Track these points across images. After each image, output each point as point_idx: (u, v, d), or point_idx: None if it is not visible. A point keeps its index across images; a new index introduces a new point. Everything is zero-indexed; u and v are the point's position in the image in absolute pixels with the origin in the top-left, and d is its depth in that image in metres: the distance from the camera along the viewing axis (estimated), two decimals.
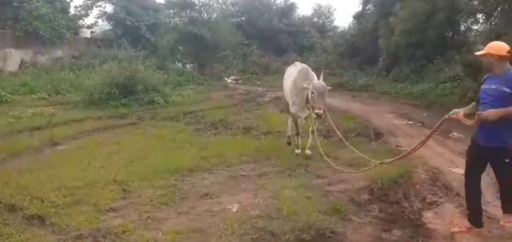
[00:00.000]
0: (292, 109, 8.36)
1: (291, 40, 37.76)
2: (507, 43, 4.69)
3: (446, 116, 4.86)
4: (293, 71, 8.73)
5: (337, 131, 7.72)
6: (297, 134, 8.52)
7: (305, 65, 8.62)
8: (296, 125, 8.53)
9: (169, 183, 6.54)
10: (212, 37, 26.88)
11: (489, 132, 4.49)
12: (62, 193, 5.98)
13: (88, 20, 29.44)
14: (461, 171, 7.18)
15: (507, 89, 4.40)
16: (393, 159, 6.24)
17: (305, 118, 8.48)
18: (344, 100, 17.68)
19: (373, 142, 9.85)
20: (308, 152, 8.24)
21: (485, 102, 4.58)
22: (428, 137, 5.48)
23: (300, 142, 8.47)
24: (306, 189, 6.22)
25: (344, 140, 7.63)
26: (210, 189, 6.28)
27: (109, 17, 29.48)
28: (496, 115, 4.34)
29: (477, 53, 4.91)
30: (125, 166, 7.49)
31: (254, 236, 4.62)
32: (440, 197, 6.08)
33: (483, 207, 5.53)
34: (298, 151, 8.37)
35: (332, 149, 8.72)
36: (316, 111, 7.26)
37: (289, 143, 9.07)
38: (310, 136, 8.30)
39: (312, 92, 7.35)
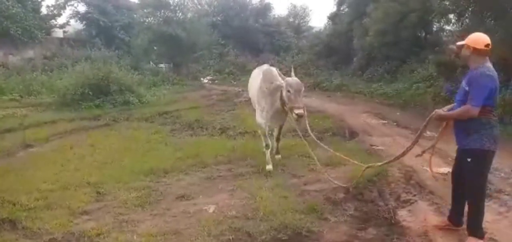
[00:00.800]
0: (261, 118, 7.30)
1: (267, 40, 37.90)
2: None
3: (433, 115, 4.70)
4: (258, 73, 7.89)
5: (311, 133, 7.11)
6: (268, 146, 7.44)
7: (268, 66, 7.65)
8: (265, 135, 7.44)
9: (144, 184, 6.47)
10: (187, 37, 26.79)
11: (457, 134, 4.53)
12: (34, 196, 5.86)
13: (61, 20, 28.98)
14: (434, 169, 7.35)
15: (466, 87, 4.31)
16: (380, 163, 6.09)
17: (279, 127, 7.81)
18: (320, 100, 17.80)
19: (348, 141, 9.93)
20: (278, 156, 7.99)
21: (455, 101, 4.58)
22: (417, 138, 5.42)
23: (269, 156, 7.42)
24: (282, 188, 6.22)
25: (318, 141, 7.17)
26: (186, 190, 6.23)
27: (82, 17, 29.04)
28: (439, 118, 4.50)
29: (459, 43, 4.59)
30: (99, 168, 7.39)
31: (230, 237, 4.60)
32: (414, 195, 6.16)
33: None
34: (270, 168, 7.21)
35: (307, 148, 8.75)
36: (296, 111, 6.25)
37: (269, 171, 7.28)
38: (276, 143, 8.02)
39: (288, 91, 6.39)
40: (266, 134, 7.46)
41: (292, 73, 7.05)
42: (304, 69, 28.27)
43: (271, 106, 7.04)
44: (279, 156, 7.97)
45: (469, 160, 4.43)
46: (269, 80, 6.94)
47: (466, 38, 4.42)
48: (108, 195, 6.03)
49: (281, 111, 7.00)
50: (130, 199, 5.79)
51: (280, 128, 7.90)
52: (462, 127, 4.41)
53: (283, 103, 6.68)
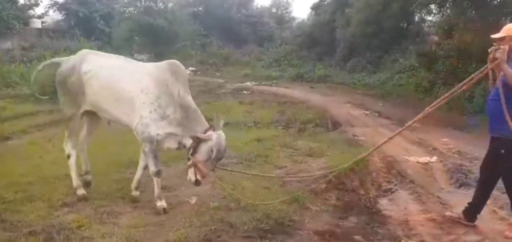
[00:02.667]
0: (155, 125, 4.97)
1: (251, 31, 37.73)
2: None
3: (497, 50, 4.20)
4: (129, 62, 5.64)
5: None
6: (158, 174, 5.20)
7: (176, 62, 5.31)
8: (156, 156, 5.16)
9: (125, 176, 6.39)
10: (168, 27, 26.63)
11: (491, 120, 4.41)
12: (13, 189, 5.73)
13: (39, 10, 28.48)
14: (415, 158, 7.46)
15: None
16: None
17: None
18: (303, 91, 17.86)
19: (330, 132, 10.00)
20: (137, 193, 5.53)
21: (494, 99, 4.35)
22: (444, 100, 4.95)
23: (159, 188, 5.25)
24: (264, 179, 6.21)
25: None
26: (168, 182, 6.17)
27: (60, 6, 28.59)
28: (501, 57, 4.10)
29: (494, 36, 4.38)
30: (79, 161, 7.27)
31: (212, 228, 4.58)
32: (395, 184, 6.24)
33: (437, 194, 5.74)
34: (162, 204, 5.16)
35: (290, 139, 8.78)
36: (199, 178, 4.91)
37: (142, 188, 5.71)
38: (142, 171, 5.51)
39: (211, 150, 4.80)
40: (151, 150, 5.11)
41: (221, 123, 5.10)
42: (287, 60, 28.29)
43: (176, 127, 5.05)
44: (137, 194, 5.54)
45: (502, 151, 4.31)
46: (184, 86, 5.15)
47: (504, 30, 4.32)
48: (89, 187, 5.95)
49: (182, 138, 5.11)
50: (111, 191, 5.72)
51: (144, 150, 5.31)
52: (500, 111, 4.17)
53: (192, 150, 4.96)
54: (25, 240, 4.30)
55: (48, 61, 5.98)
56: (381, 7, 20.13)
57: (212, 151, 4.79)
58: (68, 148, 5.64)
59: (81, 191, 5.52)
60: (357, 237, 4.56)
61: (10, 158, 7.51)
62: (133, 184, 5.54)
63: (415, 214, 5.17)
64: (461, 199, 5.64)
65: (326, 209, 5.31)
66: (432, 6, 17.56)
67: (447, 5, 16.05)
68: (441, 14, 17.52)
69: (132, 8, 27.89)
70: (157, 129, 4.99)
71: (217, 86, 20.20)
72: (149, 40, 27.61)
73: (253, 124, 10.51)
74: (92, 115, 5.74)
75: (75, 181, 5.57)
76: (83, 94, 5.37)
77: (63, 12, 28.63)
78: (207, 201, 5.40)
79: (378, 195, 5.86)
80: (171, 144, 5.19)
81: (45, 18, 29.30)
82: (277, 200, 5.26)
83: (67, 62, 5.65)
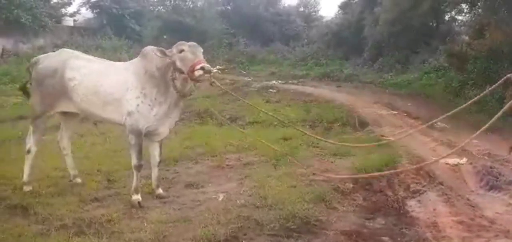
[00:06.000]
0: (144, 119, 5.11)
1: (277, 29, 37.53)
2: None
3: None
4: (101, 62, 5.70)
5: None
6: (139, 168, 5.34)
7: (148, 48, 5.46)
8: (140, 150, 5.30)
9: None
10: (197, 26, 26.81)
11: None
12: (45, 183, 5.92)
13: (71, 8, 29.07)
14: (444, 160, 7.33)
15: None
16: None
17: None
18: (330, 90, 17.74)
19: (358, 132, 9.92)
20: (159, 191, 5.63)
21: None
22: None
23: (138, 181, 5.36)
24: (291, 178, 6.23)
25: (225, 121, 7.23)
26: (195, 179, 6.26)
27: (92, 5, 29.08)
28: None
29: None
30: (109, 156, 7.42)
31: (239, 225, 4.62)
32: (424, 186, 6.14)
33: (466, 196, 5.65)
34: (138, 198, 5.27)
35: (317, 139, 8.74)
36: (199, 66, 4.84)
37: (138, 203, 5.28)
38: (156, 168, 5.65)
39: (180, 51, 5.04)
40: (137, 147, 5.26)
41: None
42: (313, 59, 28.16)
43: (166, 97, 5.15)
44: (161, 191, 5.64)
45: None
46: (153, 60, 5.18)
47: None
48: (118, 182, 6.07)
49: (175, 104, 5.28)
50: (140, 187, 5.82)
51: (161, 145, 5.64)
52: None
53: (178, 74, 5.07)
54: (56, 233, 4.40)
55: (34, 59, 5.79)
56: (410, 6, 19.82)
57: (182, 50, 5.03)
58: (30, 143, 5.73)
59: (28, 188, 5.62)
60: (384, 238, 4.51)
61: (42, 152, 7.64)
62: (154, 183, 5.68)
63: (444, 216, 5.09)
64: (491, 202, 5.56)
65: (353, 209, 5.28)
66: (463, 5, 17.23)
67: (479, 4, 15.71)
68: (472, 13, 17.18)
69: (161, 7, 28.23)
70: (147, 122, 5.14)
71: (243, 84, 20.21)
72: (178, 38, 27.37)
73: (279, 123, 10.50)
74: (67, 117, 5.91)
75: (27, 176, 5.68)
76: (64, 98, 5.47)
77: (95, 10, 29.11)
78: (234, 199, 5.45)
79: (406, 196, 5.78)
80: (165, 129, 5.41)
81: (77, 17, 29.91)
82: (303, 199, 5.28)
83: (46, 61, 5.62)
